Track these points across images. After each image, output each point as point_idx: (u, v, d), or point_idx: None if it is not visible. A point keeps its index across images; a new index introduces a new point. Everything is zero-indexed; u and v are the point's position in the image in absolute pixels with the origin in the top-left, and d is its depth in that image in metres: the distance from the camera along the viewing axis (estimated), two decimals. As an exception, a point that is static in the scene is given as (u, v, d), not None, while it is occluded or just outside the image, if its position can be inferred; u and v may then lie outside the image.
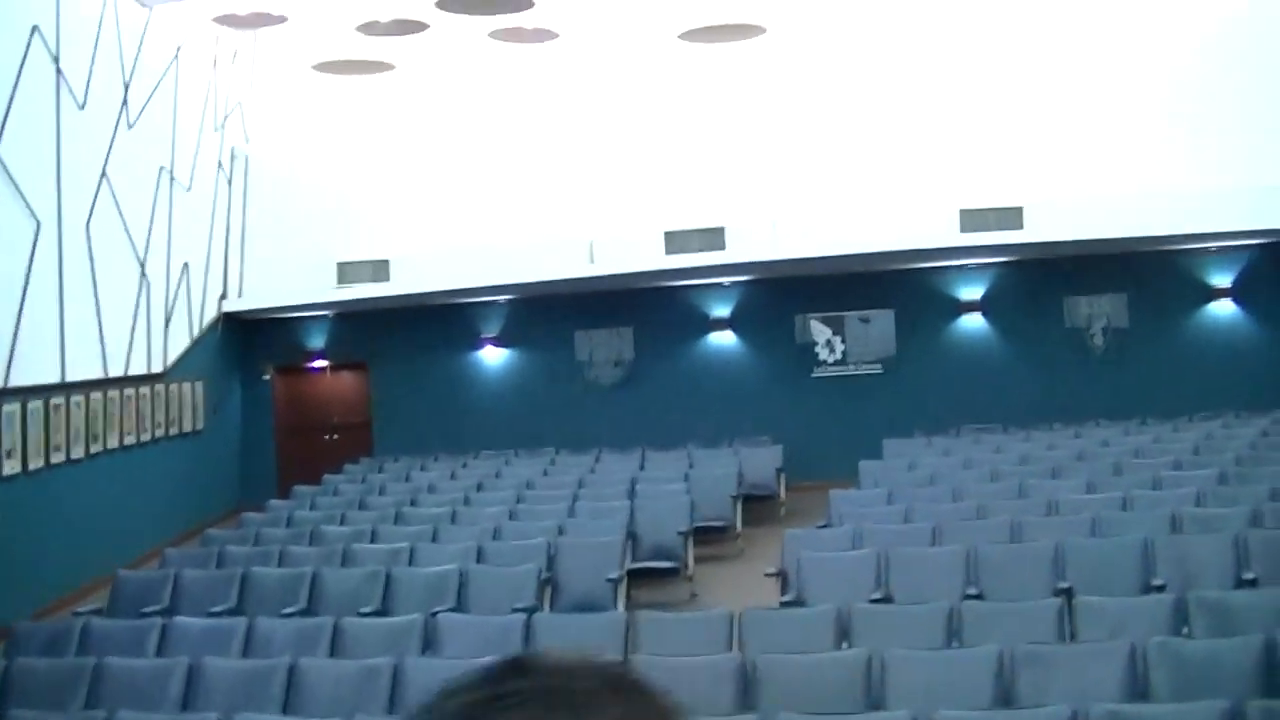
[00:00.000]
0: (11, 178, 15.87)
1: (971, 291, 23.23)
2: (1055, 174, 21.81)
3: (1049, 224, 21.02)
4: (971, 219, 21.21)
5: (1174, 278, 22.69)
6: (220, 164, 23.15)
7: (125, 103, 19.22)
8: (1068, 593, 10.43)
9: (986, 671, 8.33)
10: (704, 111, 23.19)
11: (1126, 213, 20.78)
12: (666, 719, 1.75)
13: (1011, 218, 21.17)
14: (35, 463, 16.36)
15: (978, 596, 10.79)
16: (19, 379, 15.98)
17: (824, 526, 14.34)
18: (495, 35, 21.36)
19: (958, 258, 22.55)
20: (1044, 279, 22.96)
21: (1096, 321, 23.01)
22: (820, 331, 23.50)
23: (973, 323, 23.29)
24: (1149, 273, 22.65)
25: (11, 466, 15.77)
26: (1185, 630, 9.28)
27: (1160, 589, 10.55)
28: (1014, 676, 8.31)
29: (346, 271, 23.19)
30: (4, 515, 15.50)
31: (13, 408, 15.83)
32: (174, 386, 21.16)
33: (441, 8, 19.68)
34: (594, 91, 23.48)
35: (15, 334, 15.93)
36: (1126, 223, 20.67)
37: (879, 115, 22.64)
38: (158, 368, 20.58)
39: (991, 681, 8.28)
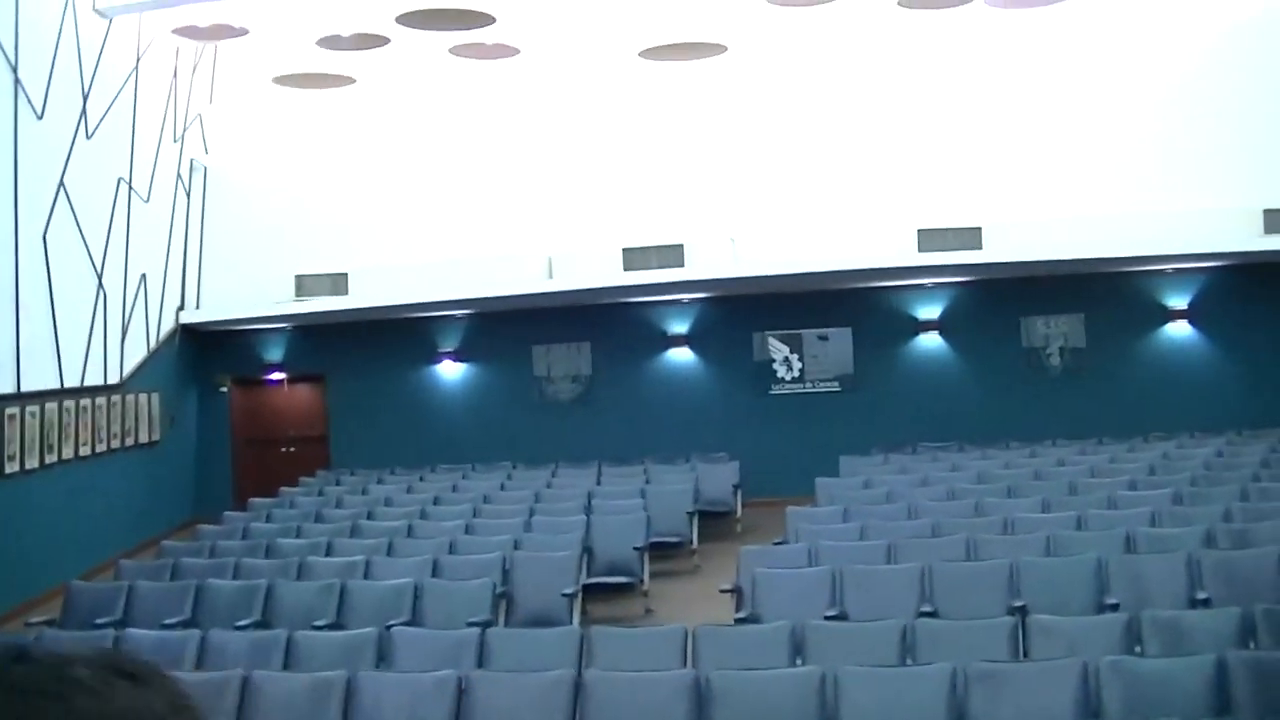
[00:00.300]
0: (-32, 186, 15.82)
1: (929, 311, 23.31)
2: (1014, 195, 21.91)
3: (1007, 244, 21.11)
4: (930, 239, 21.28)
5: (1131, 299, 22.81)
6: (179, 175, 23.07)
7: (84, 113, 19.15)
8: (1022, 611, 10.44)
9: (940, 690, 8.34)
10: (664, 129, 23.23)
11: (1084, 234, 20.88)
12: (175, 706, 1.71)
13: (970, 238, 21.25)
14: (-11, 473, 16.30)
15: (932, 614, 10.82)
16: (-26, 389, 15.93)
17: (780, 543, 14.34)
18: (456, 51, 21.38)
19: (916, 277, 22.62)
20: (1002, 299, 23.04)
21: (1054, 341, 23.13)
22: (778, 349, 23.55)
23: (930, 342, 23.37)
24: (1106, 294, 22.77)
25: (-35, 476, 15.70)
26: (1138, 649, 9.31)
27: (1114, 608, 10.58)
28: (967, 695, 8.32)
29: (305, 284, 23.13)
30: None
31: (-34, 417, 15.76)
32: (130, 398, 21.08)
33: (402, 23, 19.68)
34: (554, 108, 23.51)
35: (-30, 344, 15.87)
36: (1084, 244, 20.76)
37: (838, 134, 22.72)
38: (114, 379, 20.50)
39: (945, 700, 8.29)
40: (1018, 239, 21.09)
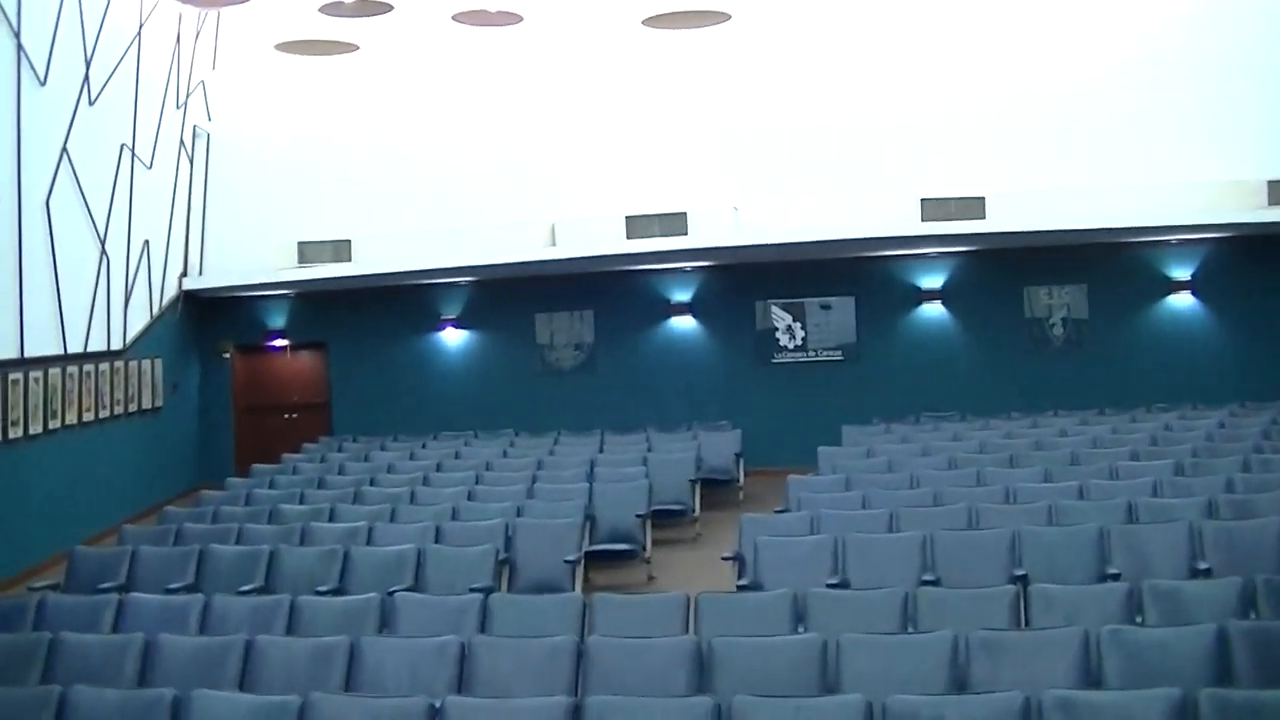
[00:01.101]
0: (-30, 153, 15.83)
1: (932, 280, 23.28)
2: (1018, 165, 21.87)
3: (1011, 214, 21.08)
4: (933, 208, 21.25)
5: (1134, 270, 22.76)
6: (182, 142, 23.06)
7: (87, 79, 19.12)
8: (1023, 580, 10.46)
9: (941, 657, 8.37)
10: (667, 97, 23.19)
11: (1088, 204, 20.87)
12: None
13: (973, 207, 21.21)
14: (-8, 438, 16.34)
15: (934, 583, 10.83)
16: (-24, 354, 15.96)
17: (781, 511, 14.35)
18: (459, 18, 21.27)
19: (919, 246, 22.58)
20: (1005, 269, 23.00)
21: (1056, 312, 23.09)
22: (781, 318, 23.53)
23: (933, 311, 23.33)
24: (1109, 264, 22.73)
25: (-32, 442, 15.74)
26: (1139, 619, 9.34)
27: (1115, 578, 10.61)
28: (968, 662, 8.35)
29: (307, 251, 23.10)
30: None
31: (-30, 383, 15.78)
32: (133, 364, 21.12)
33: (406, -11, 19.62)
34: (558, 75, 23.44)
35: (-27, 310, 15.90)
36: (1088, 214, 20.75)
37: (842, 103, 22.66)
38: (117, 345, 20.53)
39: (946, 667, 8.32)
40: (1021, 209, 21.07)
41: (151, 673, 9.26)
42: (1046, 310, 23.11)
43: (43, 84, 17.69)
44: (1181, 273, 22.66)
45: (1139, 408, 20.43)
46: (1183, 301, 22.73)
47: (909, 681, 7.96)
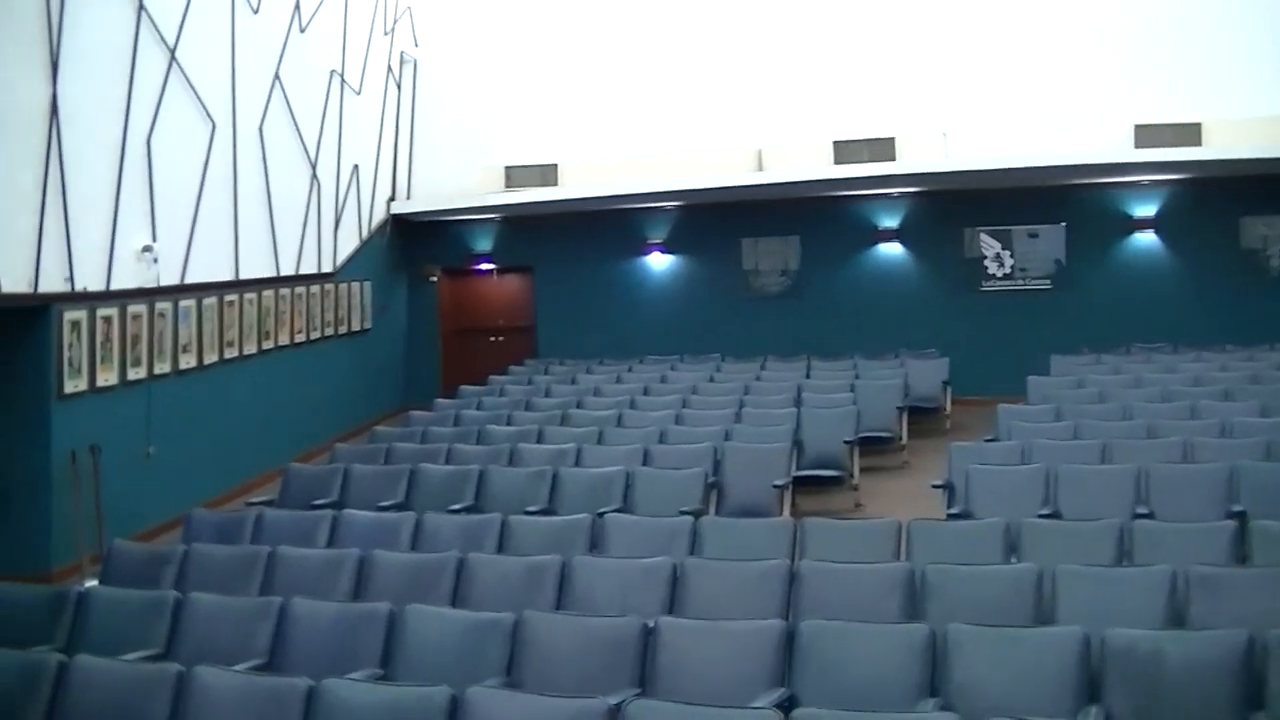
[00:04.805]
0: (189, 81, 16.17)
1: (1144, 209, 22.73)
2: (1236, 90, 21.27)
3: (1227, 141, 20.55)
4: (1147, 135, 20.82)
5: (1358, 199, 22.10)
6: (390, 68, 23.29)
7: (298, 7, 19.40)
8: (1240, 516, 10.22)
9: (1159, 591, 8.20)
10: (877, 18, 22.89)
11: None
12: None
13: (1189, 134, 20.74)
14: (210, 357, 16.78)
15: (1147, 516, 10.63)
16: (195, 276, 16.40)
17: (991, 441, 14.19)
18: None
19: (1132, 174, 22.09)
20: (1220, 198, 22.38)
21: (1274, 244, 22.45)
22: (989, 245, 23.18)
23: (1145, 240, 22.78)
24: (1330, 194, 22.09)
25: (187, 360, 16.18)
26: (1365, 558, 9.10)
27: (1337, 515, 10.33)
28: (1187, 598, 8.17)
29: (514, 175, 23.28)
30: (180, 407, 15.85)
31: (189, 303, 16.18)
32: (343, 286, 21.46)
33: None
34: (765, -1, 23.31)
35: (192, 233, 16.32)
36: (1310, 142, 20.16)
37: (1053, 25, 22.21)
38: (328, 268, 20.86)
39: (1164, 602, 8.14)
40: (1239, 136, 20.52)
41: (367, 586, 9.45)
42: (1263, 241, 22.46)
43: (255, 12, 17.96)
44: None
45: (1360, 342, 19.90)
46: None
47: (1126, 614, 7.81)
